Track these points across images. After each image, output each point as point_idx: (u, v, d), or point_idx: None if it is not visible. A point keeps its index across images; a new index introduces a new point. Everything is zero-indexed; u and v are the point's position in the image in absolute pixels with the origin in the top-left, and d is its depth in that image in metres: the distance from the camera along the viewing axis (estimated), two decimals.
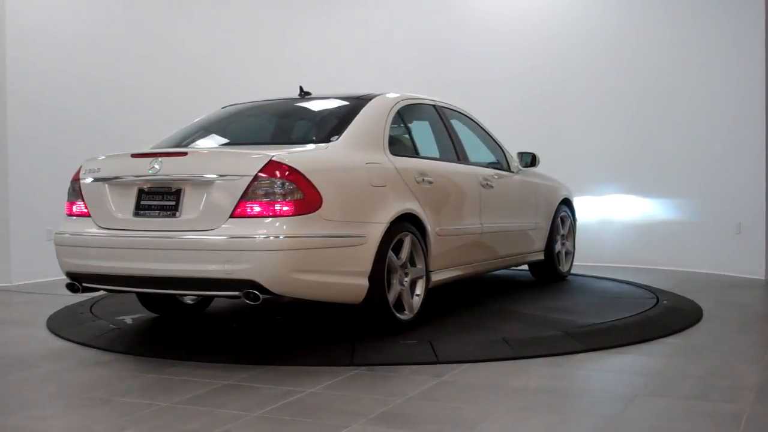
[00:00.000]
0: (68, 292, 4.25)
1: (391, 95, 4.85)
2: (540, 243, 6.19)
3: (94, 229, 4.11)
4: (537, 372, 3.74)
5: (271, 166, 3.72)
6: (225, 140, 4.78)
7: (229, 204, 3.74)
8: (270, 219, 3.69)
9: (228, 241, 3.70)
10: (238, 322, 4.89)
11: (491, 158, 5.79)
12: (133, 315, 5.04)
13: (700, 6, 7.56)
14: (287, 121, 4.89)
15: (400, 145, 4.73)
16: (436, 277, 4.70)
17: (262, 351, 4.08)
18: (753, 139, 7.05)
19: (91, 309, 5.34)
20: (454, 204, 5.00)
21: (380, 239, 4.07)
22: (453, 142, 5.25)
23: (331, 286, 3.93)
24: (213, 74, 8.45)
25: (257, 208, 3.70)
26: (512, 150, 6.01)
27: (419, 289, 4.47)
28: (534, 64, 8.30)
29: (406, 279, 4.36)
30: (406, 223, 4.34)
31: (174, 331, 4.60)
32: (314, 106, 4.95)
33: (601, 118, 8.02)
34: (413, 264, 4.44)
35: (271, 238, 3.65)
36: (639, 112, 7.85)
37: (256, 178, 3.72)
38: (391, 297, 4.21)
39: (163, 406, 3.23)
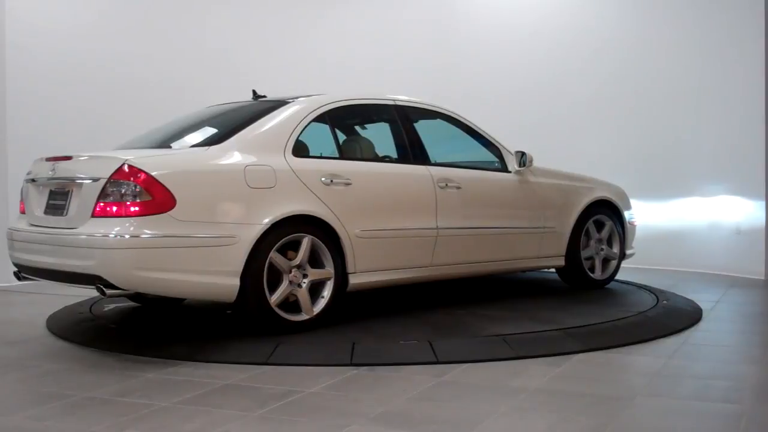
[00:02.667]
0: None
1: (318, 98, 4.89)
2: (555, 248, 5.76)
3: (24, 225, 4.59)
4: (537, 372, 3.74)
5: (123, 169, 3.99)
6: (149, 142, 4.81)
7: (91, 204, 4.06)
8: (119, 219, 3.95)
9: (83, 239, 4.02)
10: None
11: (481, 158, 5.64)
12: (117, 304, 5.36)
13: (700, 7, 7.55)
14: (204, 125, 4.91)
15: (313, 147, 4.79)
16: (360, 279, 4.67)
17: (261, 351, 4.08)
18: (753, 139, 7.05)
19: (90, 309, 5.34)
20: (390, 205, 4.86)
21: (255, 240, 4.17)
22: (408, 143, 5.14)
23: (193, 285, 4.10)
24: (214, 73, 8.44)
25: (109, 209, 3.99)
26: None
27: (327, 292, 4.49)
28: (533, 64, 8.30)
29: (304, 280, 4.41)
30: (304, 225, 4.41)
31: (174, 331, 4.60)
32: (243, 110, 4.94)
33: (601, 118, 8.01)
34: (320, 265, 4.49)
35: (116, 236, 3.91)
36: (638, 112, 7.84)
37: (109, 180, 4.00)
38: (276, 297, 4.29)
39: (163, 406, 3.23)
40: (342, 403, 3.27)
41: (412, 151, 5.13)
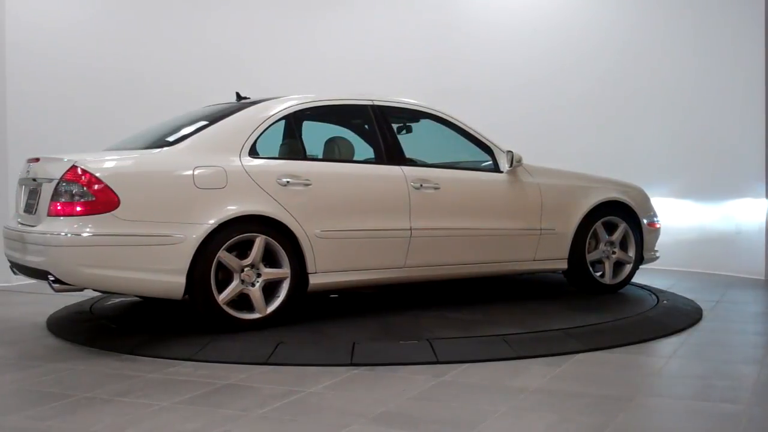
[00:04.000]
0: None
1: (283, 100, 4.93)
2: (555, 250, 5.55)
3: (12, 223, 4.77)
4: (537, 372, 3.74)
5: (72, 171, 4.19)
6: (127, 144, 4.92)
7: (47, 204, 4.27)
8: (67, 218, 4.17)
9: (38, 236, 4.26)
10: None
11: (473, 158, 5.54)
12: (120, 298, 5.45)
13: (700, 7, 7.55)
14: (177, 127, 4.93)
15: (272, 147, 4.86)
16: (321, 279, 4.69)
17: (261, 351, 4.08)
18: (753, 138, 7.05)
19: (90, 309, 5.35)
20: (354, 205, 4.84)
21: (201, 239, 4.27)
22: (382, 143, 5.10)
23: (139, 282, 4.26)
24: (215, 73, 8.43)
25: (60, 208, 4.20)
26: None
27: (282, 291, 4.54)
28: (533, 64, 8.30)
29: (257, 279, 4.47)
30: (260, 225, 4.47)
31: (174, 331, 4.60)
32: (215, 111, 4.99)
33: (600, 118, 8.01)
34: (279, 265, 4.53)
35: (62, 235, 4.12)
36: (638, 113, 7.84)
37: (60, 181, 4.21)
38: (225, 296, 4.36)
39: (163, 406, 3.23)
40: (342, 403, 3.27)
41: (386, 151, 5.08)
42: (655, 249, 6.11)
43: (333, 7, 9.17)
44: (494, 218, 5.35)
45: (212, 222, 4.31)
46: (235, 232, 4.40)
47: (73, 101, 7.40)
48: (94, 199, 4.14)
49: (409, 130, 5.53)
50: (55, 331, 4.82)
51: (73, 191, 4.16)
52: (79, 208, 4.14)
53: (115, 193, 4.16)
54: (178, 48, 8.30)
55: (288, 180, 4.60)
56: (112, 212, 4.14)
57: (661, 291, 5.87)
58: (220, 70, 8.47)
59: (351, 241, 4.80)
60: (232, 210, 4.39)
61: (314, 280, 4.66)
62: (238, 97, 5.29)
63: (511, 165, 5.35)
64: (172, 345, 4.26)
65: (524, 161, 5.49)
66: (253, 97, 5.22)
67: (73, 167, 4.19)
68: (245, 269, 4.43)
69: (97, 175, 4.16)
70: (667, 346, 4.31)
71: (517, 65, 8.39)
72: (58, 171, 4.26)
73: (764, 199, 6.96)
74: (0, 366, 4.05)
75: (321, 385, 3.52)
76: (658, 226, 6.14)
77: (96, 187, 4.14)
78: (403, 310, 5.10)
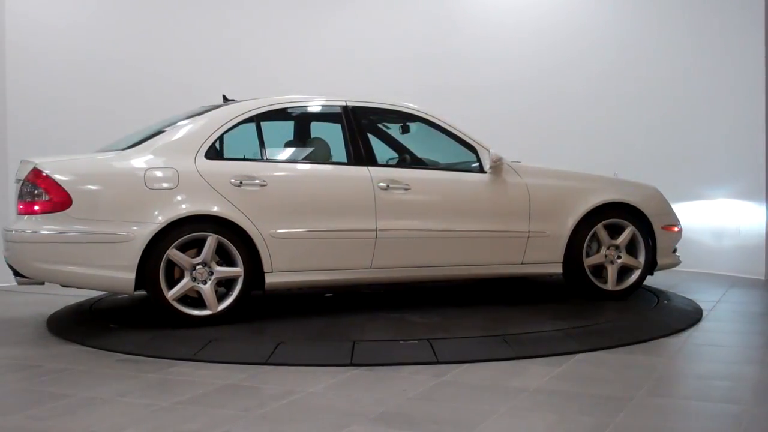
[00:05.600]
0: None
1: (247, 103, 5.03)
2: (547, 254, 5.31)
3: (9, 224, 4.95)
4: (537, 372, 3.74)
5: (32, 172, 4.49)
6: (107, 146, 5.07)
7: (16, 203, 4.63)
8: (27, 216, 4.50)
9: (5, 233, 4.64)
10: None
11: (459, 159, 5.41)
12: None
13: (700, 9, 7.54)
14: (154, 129, 5.04)
15: (234, 149, 4.93)
16: (278, 279, 4.76)
17: (261, 351, 4.08)
18: (753, 138, 7.04)
19: (90, 309, 5.35)
20: (313, 206, 4.86)
21: (150, 237, 4.45)
22: (350, 144, 5.08)
23: (91, 277, 4.50)
24: (217, 72, 8.42)
25: (24, 207, 4.52)
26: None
27: (236, 290, 4.64)
28: (533, 64, 8.29)
29: (210, 277, 4.59)
30: (214, 225, 4.60)
31: (174, 331, 4.60)
32: (189, 113, 5.09)
33: (600, 118, 7.99)
34: (233, 264, 4.65)
35: (20, 232, 4.48)
36: (638, 113, 7.83)
37: (24, 182, 4.54)
38: (174, 292, 4.53)
39: (163, 406, 3.23)
40: (342, 403, 3.27)
41: (354, 151, 5.06)
42: (676, 254, 5.80)
43: (338, 5, 9.17)
44: (473, 220, 5.17)
45: (161, 221, 4.49)
46: (186, 231, 4.55)
47: (73, 101, 7.41)
48: (48, 198, 4.44)
49: (406, 129, 5.49)
50: (55, 331, 4.82)
51: (34, 192, 4.48)
52: (36, 207, 4.46)
53: (67, 194, 4.43)
54: (178, 47, 8.29)
55: (241, 181, 4.70)
56: (65, 211, 4.42)
57: (662, 291, 5.87)
58: (221, 68, 8.45)
59: (310, 241, 4.83)
60: (182, 210, 4.55)
61: (271, 279, 4.74)
62: (225, 99, 5.33)
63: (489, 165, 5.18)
64: (172, 345, 4.26)
65: (523, 161, 5.44)
66: (242, 99, 5.21)
67: (34, 169, 4.48)
68: (197, 267, 4.57)
69: (51, 176, 4.44)
70: (667, 346, 4.31)
71: (517, 66, 8.38)
72: (24, 172, 4.57)
73: (764, 200, 6.96)
74: (0, 366, 4.05)
75: (321, 385, 3.52)
76: (676, 229, 5.76)
77: (50, 187, 4.44)
78: (404, 310, 5.10)
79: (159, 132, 4.87)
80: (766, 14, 6.94)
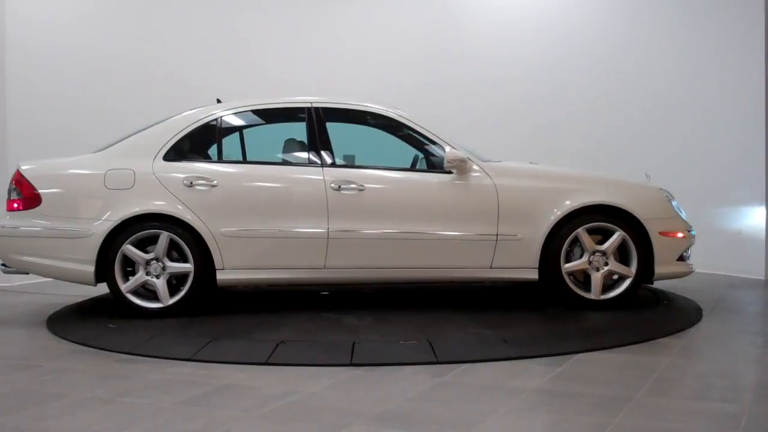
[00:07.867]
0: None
1: (208, 108, 5.31)
2: (519, 258, 5.04)
3: None
4: (537, 372, 3.74)
5: (16, 174, 5.07)
6: (102, 147, 5.32)
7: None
8: (9, 213, 5.03)
9: None
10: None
11: (426, 159, 5.35)
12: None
13: (701, 10, 7.54)
14: (135, 132, 5.32)
15: (195, 151, 5.26)
16: (228, 276, 5.00)
17: (261, 351, 4.08)
18: (753, 139, 7.05)
19: (90, 309, 5.35)
20: (262, 206, 5.00)
21: (106, 234, 4.89)
22: (309, 145, 5.16)
23: (57, 269, 5.01)
24: (218, 71, 8.43)
25: (7, 205, 5.05)
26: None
27: (187, 284, 4.95)
28: (533, 64, 8.30)
29: (163, 272, 4.93)
30: (166, 222, 4.93)
31: (174, 331, 4.60)
32: (165, 117, 5.34)
33: (600, 118, 8.01)
34: (188, 261, 4.94)
35: (2, 227, 5.01)
36: (638, 113, 7.84)
37: (10, 182, 5.09)
38: (128, 285, 4.94)
39: (163, 406, 3.23)
40: (342, 403, 3.27)
41: (311, 152, 5.16)
42: (687, 261, 5.31)
43: (339, 5, 9.17)
44: (432, 221, 5.02)
45: (116, 219, 4.90)
46: (140, 228, 4.92)
47: (74, 99, 7.41)
48: (24, 197, 4.99)
49: (388, 129, 5.44)
50: (55, 331, 4.82)
51: (15, 191, 5.03)
52: (15, 205, 5.02)
53: (38, 193, 4.97)
54: (179, 46, 8.30)
55: (191, 181, 4.97)
56: (36, 209, 4.96)
57: (661, 291, 5.87)
58: (223, 67, 8.47)
59: (260, 240, 4.99)
60: (135, 209, 4.92)
61: (222, 276, 4.99)
62: (218, 102, 5.48)
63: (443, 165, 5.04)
64: (172, 345, 4.26)
65: (508, 161, 5.37)
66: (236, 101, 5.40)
67: (16, 171, 5.05)
68: (151, 262, 4.93)
69: (26, 177, 5.01)
70: (667, 346, 4.30)
71: (517, 67, 8.38)
72: (12, 174, 5.10)
73: (764, 200, 6.96)
74: (1, 366, 4.05)
75: (321, 385, 3.52)
76: (680, 235, 5.19)
77: (26, 187, 5.00)
78: (403, 310, 5.10)
79: (131, 135, 5.21)
80: (766, 17, 6.93)
